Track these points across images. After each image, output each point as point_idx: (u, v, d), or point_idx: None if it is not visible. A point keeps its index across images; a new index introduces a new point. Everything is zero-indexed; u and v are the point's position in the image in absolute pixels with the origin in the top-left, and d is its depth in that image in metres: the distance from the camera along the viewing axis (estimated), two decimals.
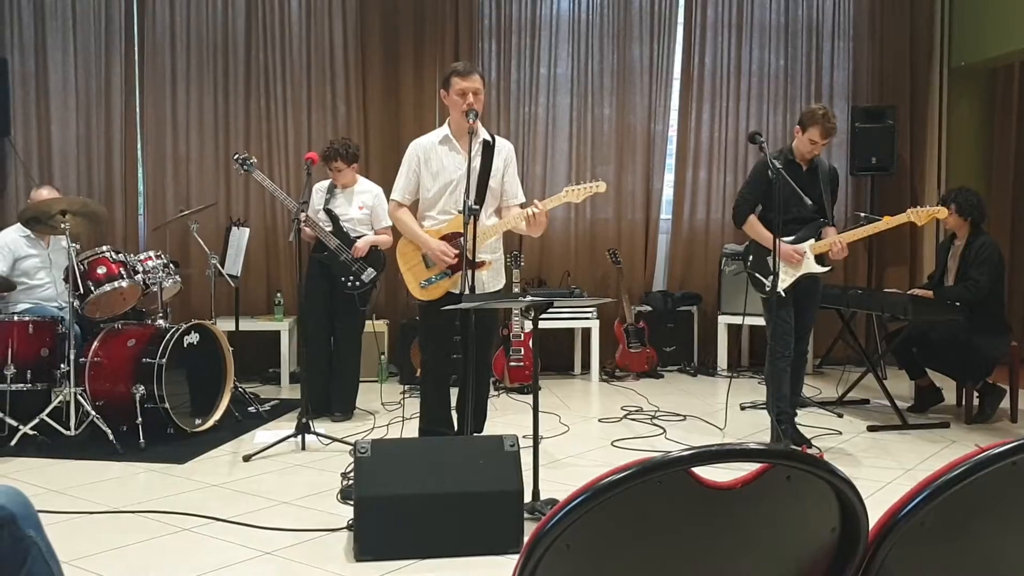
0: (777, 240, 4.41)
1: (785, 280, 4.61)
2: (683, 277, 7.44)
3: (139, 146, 6.95)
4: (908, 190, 7.54)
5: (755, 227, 4.75)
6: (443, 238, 4.15)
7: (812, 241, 4.64)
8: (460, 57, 6.97)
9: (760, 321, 4.93)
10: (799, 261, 4.62)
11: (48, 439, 4.65)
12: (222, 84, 6.95)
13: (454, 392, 4.26)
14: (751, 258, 4.82)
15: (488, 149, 4.16)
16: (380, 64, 7.09)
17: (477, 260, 3.99)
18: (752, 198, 4.79)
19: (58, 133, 6.84)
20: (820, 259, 4.63)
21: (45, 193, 5.38)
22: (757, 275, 4.74)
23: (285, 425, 5.10)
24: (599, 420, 5.52)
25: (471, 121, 4.00)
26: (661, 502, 1.14)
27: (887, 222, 4.71)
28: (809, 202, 4.45)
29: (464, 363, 3.94)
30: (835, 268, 7.39)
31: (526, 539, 1.32)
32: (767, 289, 4.62)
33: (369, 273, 5.40)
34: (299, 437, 4.65)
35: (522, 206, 4.26)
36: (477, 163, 4.11)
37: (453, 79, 4.08)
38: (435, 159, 4.18)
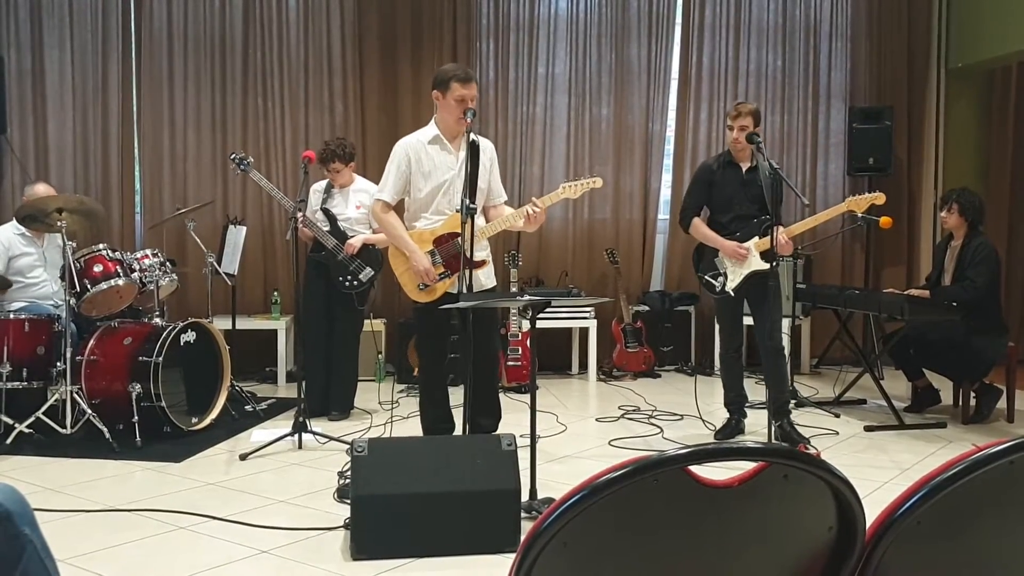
0: (775, 234, 4.42)
1: (733, 279, 4.74)
2: (680, 277, 7.44)
3: (136, 144, 6.94)
4: (905, 191, 7.55)
5: (700, 229, 4.88)
6: (439, 238, 4.15)
7: (756, 239, 4.72)
8: (458, 56, 6.97)
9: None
10: (745, 258, 4.71)
11: (44, 437, 4.65)
12: (219, 82, 6.95)
13: (455, 391, 4.25)
14: (699, 261, 4.95)
15: (475, 149, 4.09)
16: (378, 63, 7.09)
17: (477, 260, 4.01)
18: (695, 201, 4.95)
19: (55, 131, 6.83)
20: (765, 255, 4.65)
21: (41, 190, 5.37)
22: (707, 277, 4.88)
23: (282, 424, 5.10)
24: (596, 419, 5.52)
25: (469, 120, 3.98)
26: (658, 500, 1.14)
27: (827, 213, 4.86)
28: (806, 202, 4.52)
29: (465, 362, 3.91)
30: (829, 268, 7.46)
31: (523, 537, 1.32)
32: (717, 289, 4.81)
33: (367, 273, 5.39)
34: (296, 436, 4.65)
35: (506, 204, 4.27)
36: (468, 163, 4.09)
37: (453, 84, 4.04)
38: (426, 159, 4.15)
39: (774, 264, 4.46)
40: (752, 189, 4.72)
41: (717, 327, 5.05)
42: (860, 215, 5.89)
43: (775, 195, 4.51)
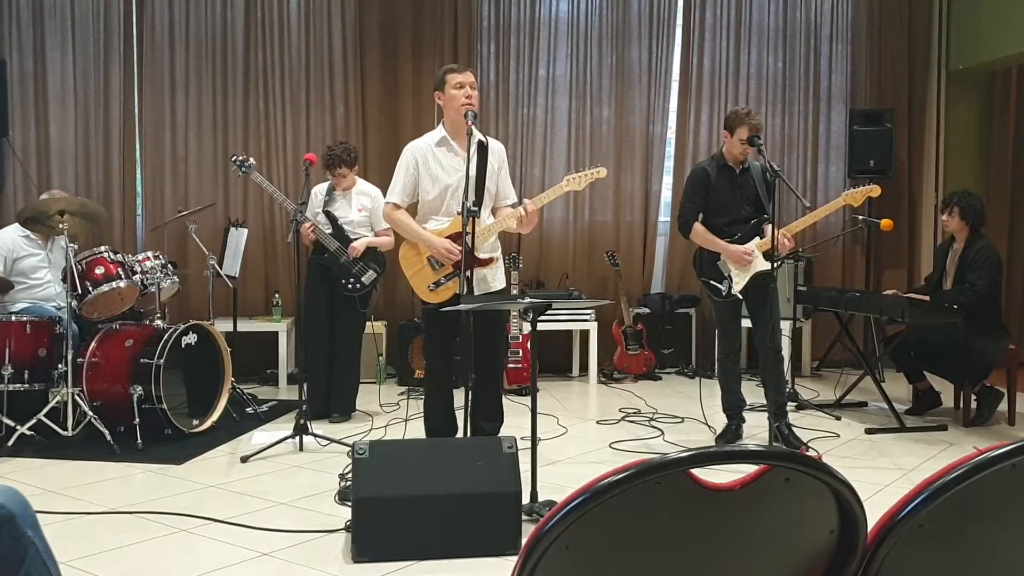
0: (775, 235, 4.44)
1: (739, 283, 4.74)
2: (681, 279, 7.43)
3: (137, 146, 6.95)
4: (906, 193, 7.56)
5: (702, 235, 4.82)
6: (447, 238, 4.11)
7: (757, 240, 4.72)
8: (459, 58, 6.98)
9: None
10: (750, 261, 4.69)
11: (45, 439, 4.64)
12: (221, 85, 6.95)
13: (457, 393, 4.25)
14: (701, 266, 4.90)
15: (483, 150, 4.12)
16: (379, 65, 7.09)
17: (484, 257, 4.01)
18: (694, 207, 4.88)
19: (56, 133, 6.83)
20: (766, 255, 4.64)
21: (57, 195, 5.36)
22: (711, 282, 4.84)
23: (283, 426, 5.10)
24: (597, 422, 5.52)
25: (469, 121, 3.99)
26: (660, 503, 1.14)
27: (825, 209, 4.85)
28: (807, 204, 4.52)
29: (468, 363, 3.91)
30: (830, 270, 7.46)
31: (524, 540, 1.32)
32: (723, 293, 4.78)
33: (369, 275, 5.39)
34: (297, 438, 4.65)
35: (513, 206, 4.27)
36: (475, 164, 4.07)
37: (448, 75, 4.10)
38: (433, 162, 4.16)
39: (776, 264, 4.47)
40: (746, 190, 4.73)
41: (716, 330, 5.03)
42: (861, 217, 5.90)
43: (770, 193, 4.53)
